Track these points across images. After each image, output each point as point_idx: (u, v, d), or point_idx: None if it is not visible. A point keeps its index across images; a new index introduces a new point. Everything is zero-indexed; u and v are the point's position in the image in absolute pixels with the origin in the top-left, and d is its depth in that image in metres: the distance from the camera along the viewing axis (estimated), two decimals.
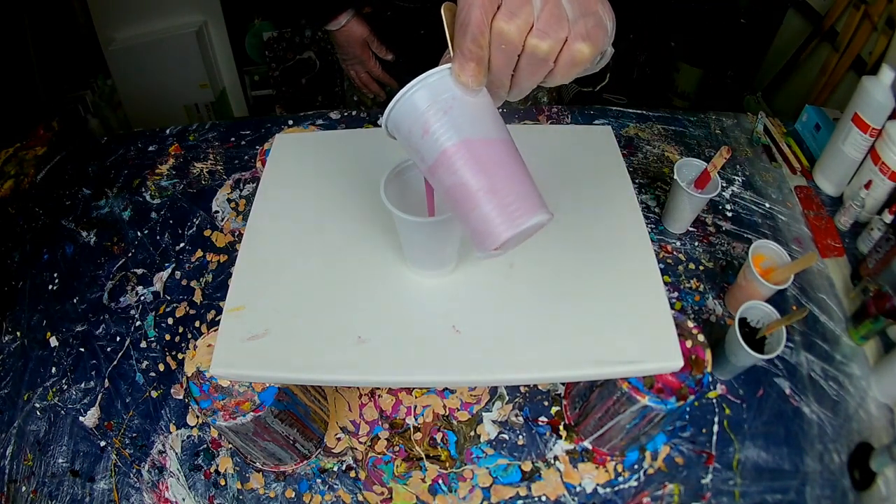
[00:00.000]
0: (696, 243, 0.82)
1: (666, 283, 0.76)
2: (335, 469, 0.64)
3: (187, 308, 0.77)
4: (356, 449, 0.65)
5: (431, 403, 0.67)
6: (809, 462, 0.63)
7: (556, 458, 0.64)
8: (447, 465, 0.63)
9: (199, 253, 0.83)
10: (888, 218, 0.75)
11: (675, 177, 0.75)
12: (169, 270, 0.81)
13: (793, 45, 1.50)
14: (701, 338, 0.54)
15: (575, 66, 0.36)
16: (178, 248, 0.84)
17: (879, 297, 0.68)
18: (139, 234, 0.86)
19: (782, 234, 0.83)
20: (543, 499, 0.61)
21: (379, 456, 0.64)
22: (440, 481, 0.63)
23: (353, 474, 0.63)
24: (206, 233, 0.85)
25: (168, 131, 1.01)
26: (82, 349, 0.74)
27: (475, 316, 0.52)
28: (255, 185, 0.90)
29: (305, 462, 0.64)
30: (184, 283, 0.79)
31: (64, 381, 0.71)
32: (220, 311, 0.75)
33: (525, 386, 0.69)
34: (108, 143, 1.00)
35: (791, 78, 1.53)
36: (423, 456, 0.64)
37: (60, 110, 1.57)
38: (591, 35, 0.36)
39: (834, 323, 0.74)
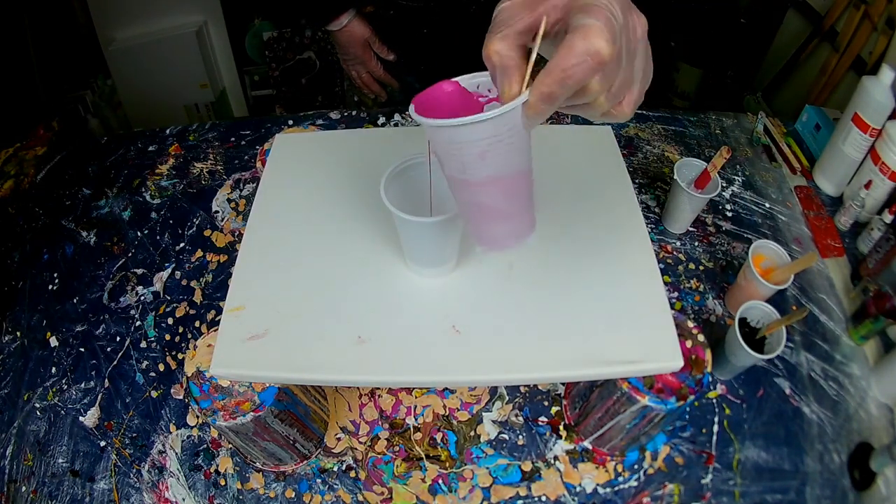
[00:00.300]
0: (696, 243, 0.82)
1: (666, 283, 0.76)
2: (335, 469, 0.64)
3: (187, 308, 0.77)
4: (356, 449, 0.65)
5: (431, 403, 0.67)
6: (809, 462, 0.63)
7: (556, 458, 0.64)
8: (447, 465, 0.63)
9: (199, 253, 0.83)
10: (888, 218, 0.75)
11: (675, 177, 0.75)
12: (169, 270, 0.81)
13: (793, 45, 1.50)
14: (701, 338, 0.54)
15: (607, 119, 0.38)
16: (178, 248, 0.84)
17: (879, 297, 0.68)
18: (139, 234, 0.86)
19: (782, 234, 0.83)
20: (543, 499, 0.61)
21: (379, 456, 0.64)
22: (440, 481, 0.63)
23: (353, 474, 0.63)
24: (206, 233, 0.85)
25: (168, 131, 1.01)
26: (82, 349, 0.74)
27: (475, 316, 0.52)
28: (255, 185, 0.90)
29: (305, 462, 0.64)
30: (184, 283, 0.79)
31: (64, 381, 0.71)
32: (220, 311, 0.75)
33: (525, 386, 0.69)
34: (108, 143, 1.00)
35: (791, 78, 1.53)
36: (423, 456, 0.64)
37: (60, 110, 1.57)
38: (637, 102, 0.37)
39: (834, 323, 0.74)
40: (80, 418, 0.68)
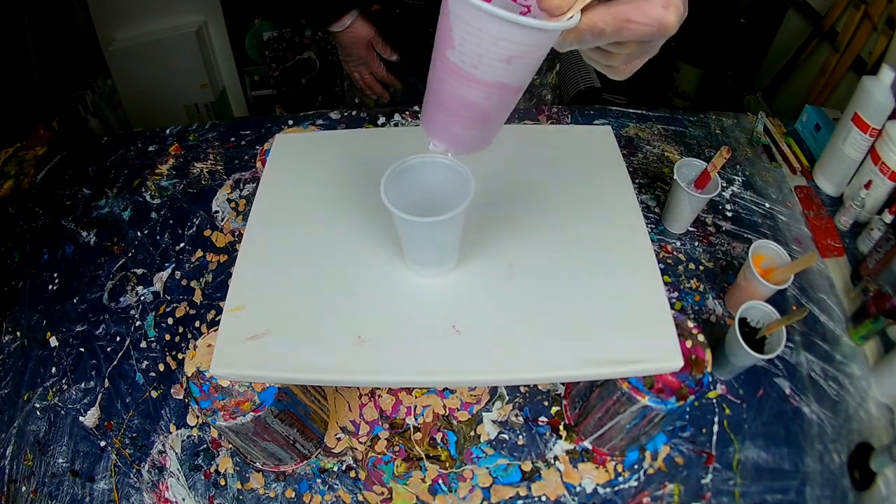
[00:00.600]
0: (696, 243, 0.82)
1: (666, 283, 0.76)
2: (335, 469, 0.64)
3: (187, 308, 0.77)
4: (356, 449, 0.65)
5: (431, 403, 0.67)
6: (809, 462, 0.63)
7: (556, 458, 0.64)
8: (447, 465, 0.63)
9: (199, 253, 0.83)
10: (888, 218, 0.75)
11: (675, 177, 0.75)
12: (169, 270, 0.81)
13: (793, 45, 1.50)
14: (701, 338, 0.54)
15: (607, 72, 0.38)
16: (178, 248, 0.84)
17: (879, 297, 0.68)
18: (139, 234, 0.86)
19: (782, 234, 0.83)
20: (543, 499, 0.61)
21: (379, 456, 0.64)
22: (440, 481, 0.63)
23: (353, 474, 0.63)
24: (206, 233, 0.85)
25: (168, 131, 1.01)
26: (82, 349, 0.74)
27: (475, 316, 0.52)
28: (255, 185, 0.90)
29: (305, 462, 0.64)
30: (184, 283, 0.79)
31: (64, 381, 0.71)
32: (220, 311, 0.75)
33: (525, 386, 0.69)
34: (108, 143, 1.00)
35: (791, 78, 1.53)
36: (423, 456, 0.64)
37: (60, 110, 1.57)
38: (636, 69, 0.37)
39: (834, 323, 0.74)
40: (80, 418, 0.68)
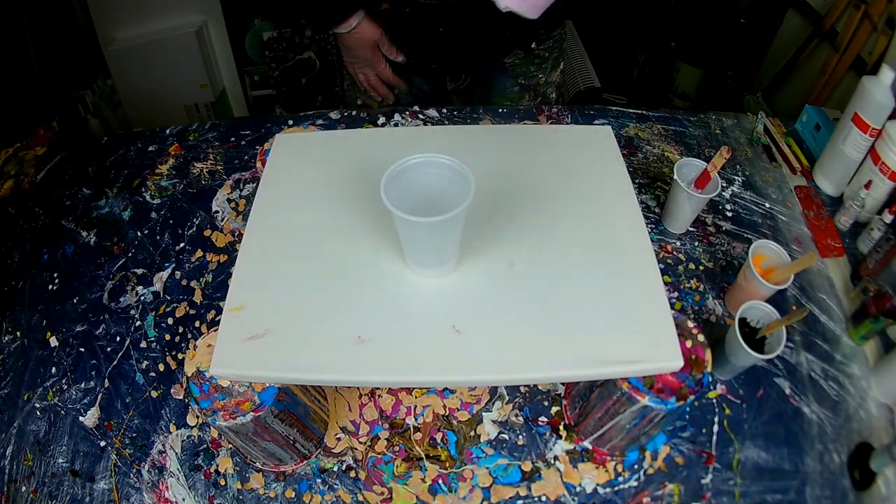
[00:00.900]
0: (696, 243, 0.82)
1: (666, 283, 0.76)
2: (335, 469, 0.64)
3: (187, 308, 0.77)
4: (356, 449, 0.65)
5: (431, 403, 0.67)
6: (809, 462, 0.63)
7: (556, 458, 0.64)
8: (447, 465, 0.63)
9: (199, 253, 0.83)
10: (888, 218, 0.75)
11: (675, 177, 0.75)
12: (169, 270, 0.81)
13: (793, 45, 1.50)
14: (701, 338, 0.54)
15: None
16: (178, 248, 0.84)
17: (879, 297, 0.68)
18: (139, 234, 0.86)
19: (782, 234, 0.83)
20: (543, 499, 0.61)
21: (379, 456, 0.64)
22: (440, 481, 0.63)
23: (353, 474, 0.63)
24: (206, 233, 0.85)
25: (168, 131, 1.01)
26: (82, 349, 0.74)
27: (475, 316, 0.52)
28: (255, 185, 0.90)
29: (305, 462, 0.64)
30: (184, 283, 0.79)
31: (64, 381, 0.71)
32: (220, 311, 0.75)
33: (525, 386, 0.69)
34: (108, 143, 1.00)
35: (791, 78, 1.53)
36: (423, 456, 0.64)
37: (60, 110, 1.57)
38: None
39: (834, 323, 0.74)
40: (80, 418, 0.68)
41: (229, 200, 0.89)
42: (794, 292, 0.76)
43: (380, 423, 0.66)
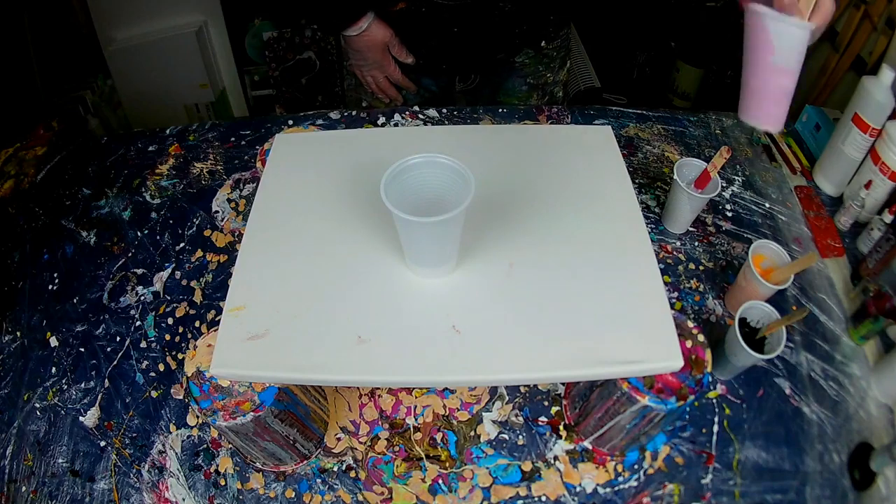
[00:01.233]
0: (696, 243, 0.82)
1: (666, 283, 0.76)
2: (335, 469, 0.64)
3: (187, 308, 0.77)
4: (356, 449, 0.65)
5: (431, 403, 0.67)
6: (809, 462, 0.63)
7: (556, 458, 0.64)
8: (447, 465, 0.63)
9: (199, 253, 0.83)
10: (888, 218, 0.75)
11: (675, 177, 0.75)
12: (169, 270, 0.81)
13: None
14: (701, 338, 0.54)
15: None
16: (178, 248, 0.84)
17: (879, 297, 0.68)
18: (139, 234, 0.86)
19: (782, 234, 0.83)
20: (543, 499, 0.61)
21: (379, 456, 0.64)
22: (440, 481, 0.63)
23: (353, 474, 0.63)
24: (206, 233, 0.85)
25: (168, 131, 1.01)
26: (82, 349, 0.74)
27: (475, 316, 0.52)
28: (255, 185, 0.90)
29: (305, 462, 0.64)
30: (184, 283, 0.79)
31: (64, 381, 0.71)
32: (220, 311, 0.75)
33: (525, 386, 0.69)
34: (108, 143, 1.00)
35: None
36: (423, 456, 0.64)
37: (60, 110, 1.57)
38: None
39: (834, 323, 0.74)
40: (80, 418, 0.68)
41: (229, 200, 0.89)
42: (794, 292, 0.76)
43: (380, 423, 0.66)
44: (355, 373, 0.49)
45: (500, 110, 1.00)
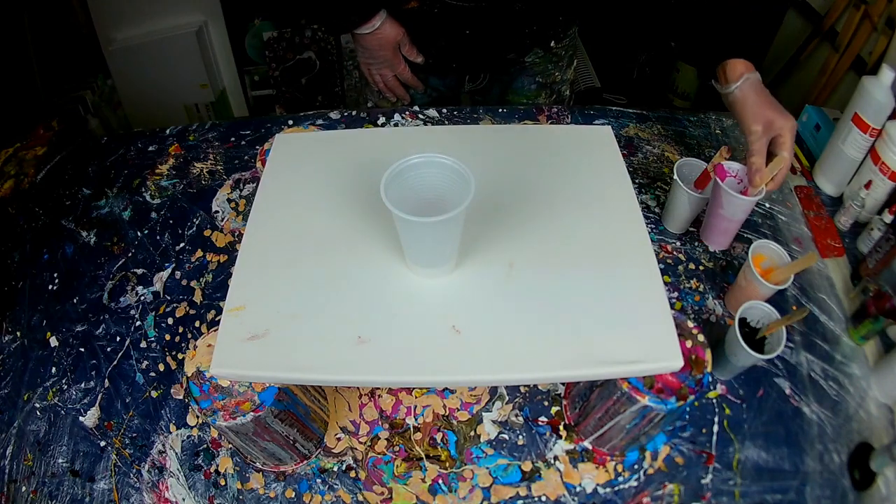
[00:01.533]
0: (696, 243, 0.82)
1: (666, 283, 0.76)
2: (335, 469, 0.64)
3: (187, 308, 0.77)
4: (356, 449, 0.65)
5: (431, 403, 0.67)
6: (809, 462, 0.63)
7: (556, 458, 0.64)
8: (447, 465, 0.63)
9: (199, 253, 0.83)
10: (888, 218, 0.75)
11: (675, 177, 0.75)
12: (169, 270, 0.81)
13: (793, 45, 1.50)
14: (701, 338, 0.54)
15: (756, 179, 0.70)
16: (178, 248, 0.84)
17: (879, 297, 0.68)
18: (139, 234, 0.86)
19: (782, 234, 0.83)
20: (543, 499, 0.61)
21: (379, 456, 0.64)
22: (440, 481, 0.63)
23: (353, 474, 0.63)
24: (206, 233, 0.85)
25: (168, 131, 1.01)
26: (82, 349, 0.74)
27: (475, 316, 0.52)
28: (255, 185, 0.90)
29: (305, 462, 0.64)
30: (184, 283, 0.79)
31: (64, 381, 0.71)
32: (220, 311, 0.75)
33: (525, 386, 0.69)
34: (108, 143, 1.00)
35: (791, 78, 1.53)
36: (423, 456, 0.64)
37: (60, 110, 1.57)
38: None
39: (834, 323, 0.74)
40: (80, 418, 0.68)
41: (229, 200, 0.89)
42: (794, 292, 0.76)
43: (380, 423, 0.66)
44: (355, 373, 0.49)
45: (500, 110, 1.00)
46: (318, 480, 0.63)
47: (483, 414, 0.67)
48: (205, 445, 0.65)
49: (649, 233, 0.70)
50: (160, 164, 0.95)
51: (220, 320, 0.52)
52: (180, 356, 0.72)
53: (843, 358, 0.71)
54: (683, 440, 0.64)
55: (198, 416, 0.67)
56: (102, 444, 0.66)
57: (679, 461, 0.63)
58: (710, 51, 0.78)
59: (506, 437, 0.65)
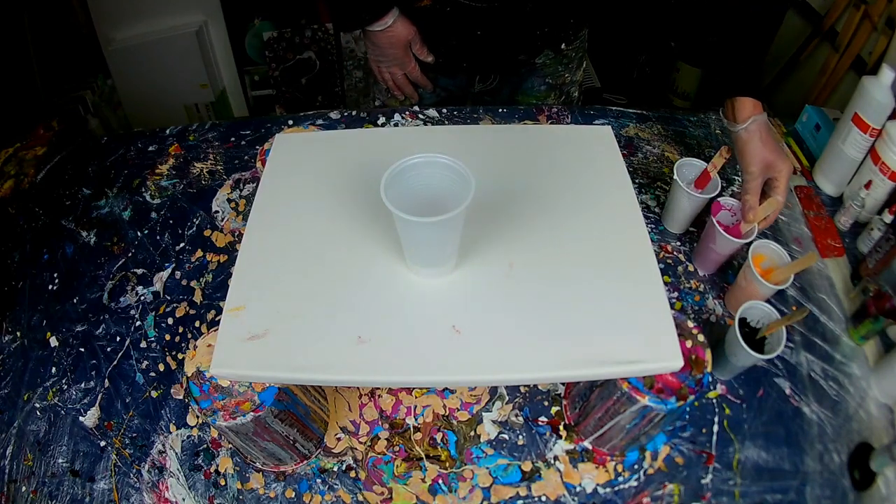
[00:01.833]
0: (696, 243, 0.82)
1: (666, 283, 0.76)
2: (335, 469, 0.64)
3: (187, 308, 0.77)
4: (356, 449, 0.65)
5: (431, 403, 0.67)
6: (809, 462, 0.63)
7: (556, 458, 0.64)
8: (447, 465, 0.63)
9: (199, 253, 0.83)
10: (888, 218, 0.75)
11: (675, 177, 0.75)
12: (169, 270, 0.81)
13: (793, 45, 1.50)
14: (701, 338, 0.54)
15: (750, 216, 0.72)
16: (178, 248, 0.84)
17: (879, 297, 0.68)
18: (139, 234, 0.86)
19: (782, 234, 0.83)
20: (543, 499, 0.61)
21: (379, 456, 0.64)
22: (440, 481, 0.63)
23: (353, 474, 0.63)
24: (206, 233, 0.85)
25: (168, 131, 1.01)
26: (82, 349, 0.74)
27: (475, 316, 0.52)
28: (255, 185, 0.90)
29: (305, 462, 0.64)
30: (184, 283, 0.79)
31: (64, 381, 0.71)
32: (220, 311, 0.75)
33: (525, 386, 0.69)
34: (108, 143, 1.00)
35: (791, 78, 1.53)
36: (423, 456, 0.64)
37: (60, 110, 1.57)
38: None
39: (834, 323, 0.74)
40: (80, 418, 0.68)
41: (229, 200, 0.89)
42: (794, 292, 0.76)
43: (380, 423, 0.66)
44: (355, 373, 0.49)
45: (501, 110, 1.00)
46: (318, 480, 0.63)
47: (483, 414, 0.67)
48: (205, 445, 0.65)
49: (649, 233, 0.70)
50: (160, 164, 0.95)
51: (220, 320, 0.52)
52: (180, 356, 0.72)
53: (843, 358, 0.71)
54: (683, 440, 0.64)
55: (198, 416, 0.67)
56: (102, 444, 0.66)
57: (679, 461, 0.63)
58: (711, 51, 0.78)
59: (506, 437, 0.65)
